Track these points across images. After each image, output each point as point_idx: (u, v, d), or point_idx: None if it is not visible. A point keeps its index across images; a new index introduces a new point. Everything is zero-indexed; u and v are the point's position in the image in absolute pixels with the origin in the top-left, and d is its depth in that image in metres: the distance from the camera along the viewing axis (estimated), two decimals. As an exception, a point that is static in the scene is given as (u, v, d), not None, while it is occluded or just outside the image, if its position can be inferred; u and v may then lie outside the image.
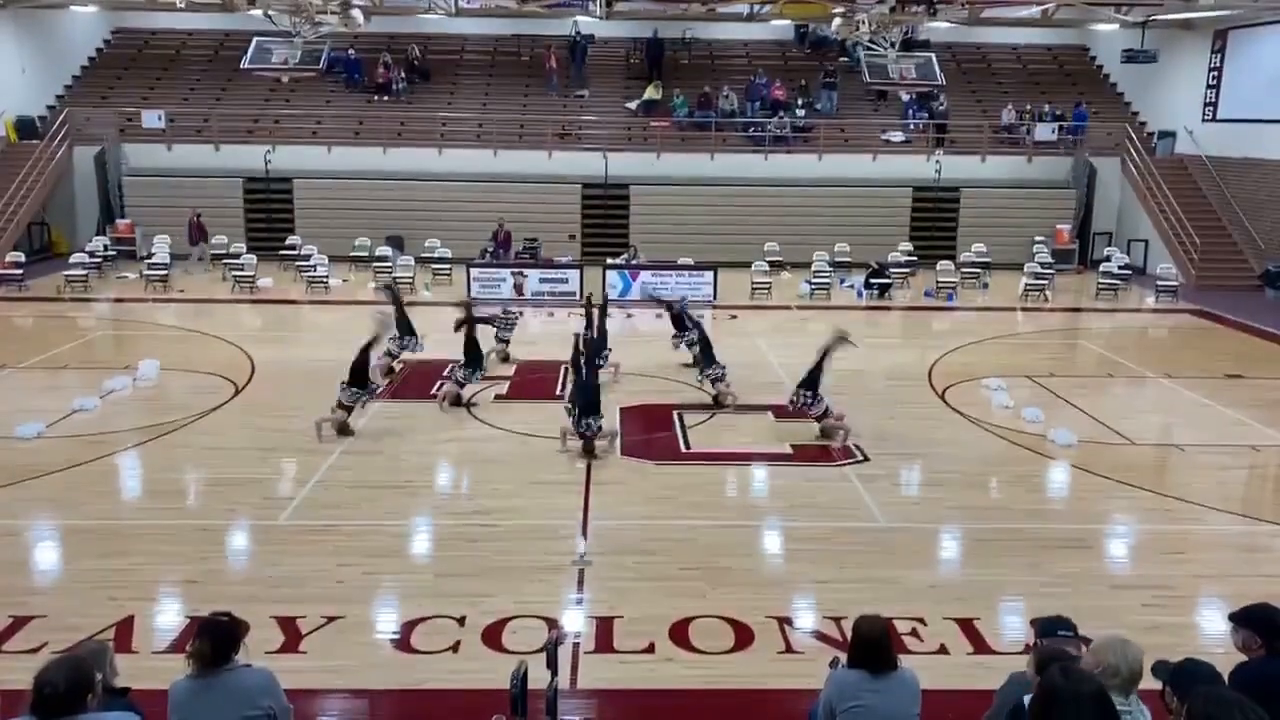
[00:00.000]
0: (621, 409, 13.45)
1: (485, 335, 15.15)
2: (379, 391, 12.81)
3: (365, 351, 12.76)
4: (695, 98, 28.36)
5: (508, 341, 16.11)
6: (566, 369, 15.42)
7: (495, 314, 16.19)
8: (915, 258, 24.93)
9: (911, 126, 28.41)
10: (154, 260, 22.58)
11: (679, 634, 7.64)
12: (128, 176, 26.34)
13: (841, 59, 29.55)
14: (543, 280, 21.81)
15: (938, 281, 23.00)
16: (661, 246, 24.24)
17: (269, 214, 26.30)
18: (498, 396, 14.21)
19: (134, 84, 28.86)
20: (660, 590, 8.36)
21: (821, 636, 7.67)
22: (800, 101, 28.51)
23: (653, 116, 28.13)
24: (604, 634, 7.66)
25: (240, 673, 4.50)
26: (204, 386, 14.47)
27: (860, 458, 11.86)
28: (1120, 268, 23.73)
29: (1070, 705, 3.47)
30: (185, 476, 11.16)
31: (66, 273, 21.91)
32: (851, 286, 23.47)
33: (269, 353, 16.52)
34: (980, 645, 7.58)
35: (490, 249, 23.18)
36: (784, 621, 7.89)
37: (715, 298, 21.61)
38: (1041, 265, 23.90)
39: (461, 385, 13.57)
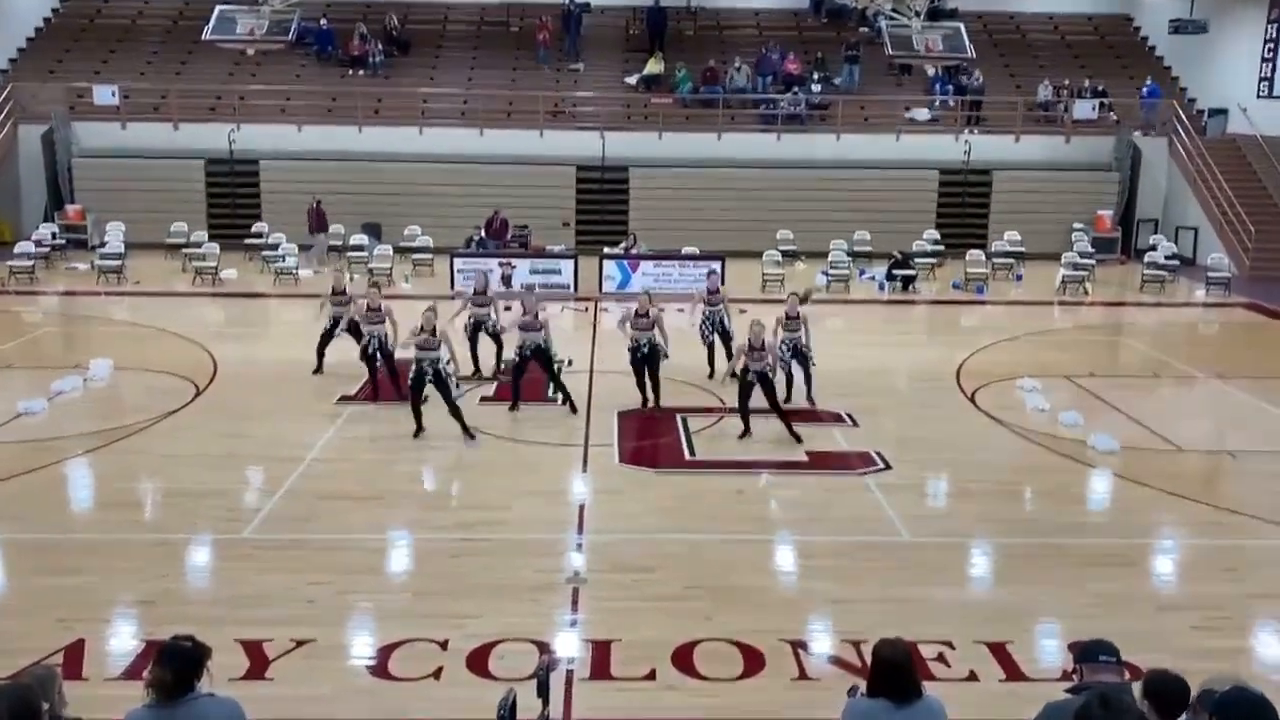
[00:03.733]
0: (620, 413, 13.45)
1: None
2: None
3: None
4: (701, 72, 28.34)
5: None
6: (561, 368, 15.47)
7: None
8: (942, 247, 24.93)
9: (938, 103, 28.40)
10: (107, 250, 22.58)
11: (683, 659, 7.64)
12: (78, 158, 26.32)
13: (862, 29, 29.51)
14: (533, 271, 21.82)
15: (967, 273, 23.00)
16: (664, 234, 24.24)
17: (233, 199, 26.29)
18: (484, 399, 14.21)
19: (85, 57, 28.82)
20: (662, 611, 8.36)
21: (839, 662, 7.67)
22: (816, 76, 28.50)
23: (654, 93, 28.11)
24: (600, 659, 7.66)
25: (203, 703, 4.48)
26: (162, 387, 14.46)
27: (882, 465, 11.87)
28: (1167, 258, 23.74)
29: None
30: (141, 486, 11.17)
31: (11, 263, 21.88)
32: (872, 278, 23.47)
33: (233, 351, 16.53)
34: (1014, 672, 7.58)
35: (478, 238, 23.15)
36: (798, 645, 7.89)
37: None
38: (1080, 255, 23.92)
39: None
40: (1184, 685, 4.38)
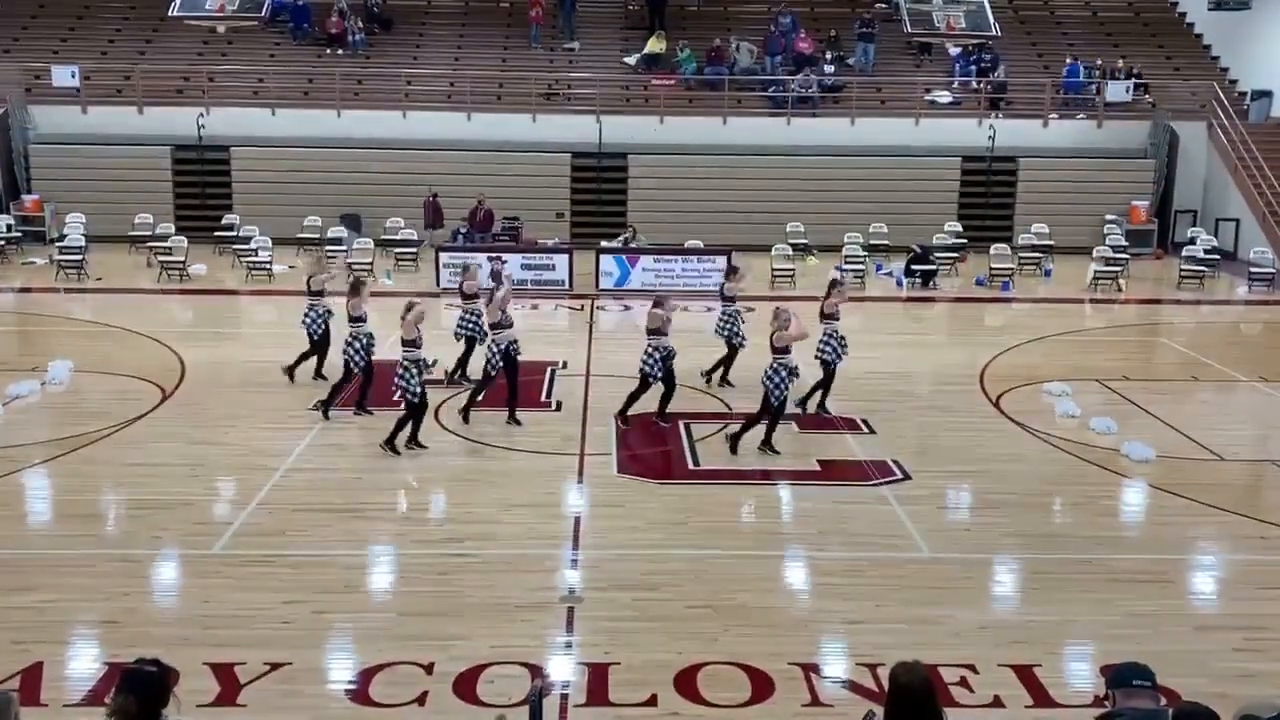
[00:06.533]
0: (618, 418, 13.45)
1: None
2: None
3: None
4: (705, 51, 28.37)
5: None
6: (555, 371, 15.52)
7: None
8: (965, 240, 24.93)
9: (958, 84, 28.42)
10: (66, 243, 22.58)
11: (685, 684, 7.65)
12: (35, 144, 26.34)
13: (879, 5, 29.57)
14: (525, 266, 21.82)
15: (991, 268, 23.02)
16: (665, 227, 24.24)
17: (202, 188, 26.31)
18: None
19: (42, 35, 28.87)
20: (663, 632, 8.38)
21: (854, 687, 7.69)
22: (829, 55, 28.53)
23: (655, 73, 28.15)
24: (597, 684, 7.67)
25: (170, 730, 4.51)
26: (125, 391, 14.47)
27: (900, 475, 11.88)
28: (1206, 252, 23.72)
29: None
30: (103, 498, 11.17)
31: (-37, 258, 21.97)
32: (889, 274, 23.51)
33: (202, 352, 16.53)
34: (1041, 697, 7.58)
35: (464, 230, 23.19)
36: (809, 669, 7.90)
37: (729, 287, 21.61)
38: (1114, 249, 23.92)
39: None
40: (1214, 717, 4.40)
